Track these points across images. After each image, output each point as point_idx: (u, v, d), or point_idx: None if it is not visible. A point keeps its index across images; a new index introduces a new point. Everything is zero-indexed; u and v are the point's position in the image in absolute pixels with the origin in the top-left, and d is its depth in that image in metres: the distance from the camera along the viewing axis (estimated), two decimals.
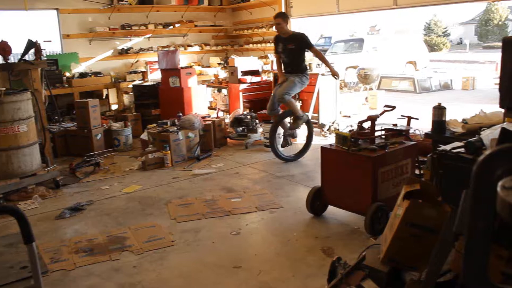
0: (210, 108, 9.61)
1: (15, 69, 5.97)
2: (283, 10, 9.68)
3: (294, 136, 6.95)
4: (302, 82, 6.50)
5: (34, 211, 5.04)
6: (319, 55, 6.64)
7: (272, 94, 6.79)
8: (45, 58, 7.83)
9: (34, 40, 6.36)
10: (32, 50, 6.36)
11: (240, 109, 8.48)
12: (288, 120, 6.82)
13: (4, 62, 5.96)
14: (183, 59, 10.12)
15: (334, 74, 6.55)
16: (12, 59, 6.15)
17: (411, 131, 4.99)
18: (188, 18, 10.66)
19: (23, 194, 5.40)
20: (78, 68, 9.15)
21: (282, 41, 6.54)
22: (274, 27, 6.72)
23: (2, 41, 5.90)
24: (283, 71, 6.68)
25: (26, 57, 6.30)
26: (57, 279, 3.57)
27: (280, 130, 6.76)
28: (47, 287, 3.43)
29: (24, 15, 8.24)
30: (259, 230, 4.33)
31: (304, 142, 6.85)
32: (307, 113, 7.08)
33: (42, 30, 9.00)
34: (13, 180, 5.31)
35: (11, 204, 4.99)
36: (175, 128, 6.78)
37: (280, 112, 6.66)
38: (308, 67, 6.99)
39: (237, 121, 7.74)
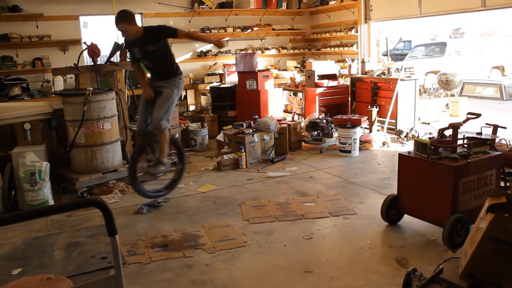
0: (285, 111, 9.64)
1: (102, 70, 6.31)
2: (362, 13, 9.53)
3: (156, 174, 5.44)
4: (179, 88, 5.24)
5: (114, 205, 5.29)
6: (191, 35, 5.31)
7: (140, 106, 5.34)
8: (129, 60, 8.20)
9: (120, 43, 6.69)
10: (118, 52, 6.70)
11: (316, 113, 8.44)
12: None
13: (93, 63, 6.31)
14: (260, 62, 10.23)
15: (218, 44, 5.31)
16: (99, 60, 6.50)
17: (497, 140, 4.73)
18: (266, 21, 10.77)
19: (104, 188, 5.69)
20: None
21: (136, 44, 5.12)
22: (121, 34, 5.13)
23: (92, 43, 6.25)
24: (150, 78, 5.41)
25: (113, 59, 6.63)
26: (133, 271, 3.71)
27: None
28: (125, 278, 3.58)
29: (112, 20, 8.66)
30: (332, 235, 4.28)
31: (175, 170, 5.66)
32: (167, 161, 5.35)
33: None
34: (96, 175, 5.62)
35: (96, 197, 5.27)
36: (251, 130, 6.87)
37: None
38: (178, 67, 5.37)
39: (312, 125, 7.70)
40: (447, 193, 3.80)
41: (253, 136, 6.74)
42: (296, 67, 10.68)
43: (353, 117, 7.34)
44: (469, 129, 4.84)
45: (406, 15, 8.77)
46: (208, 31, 9.92)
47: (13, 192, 5.27)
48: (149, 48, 5.06)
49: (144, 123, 5.22)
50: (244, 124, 7.20)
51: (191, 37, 5.61)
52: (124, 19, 4.95)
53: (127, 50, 5.25)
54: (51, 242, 4.33)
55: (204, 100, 9.53)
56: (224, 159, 6.58)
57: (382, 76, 8.43)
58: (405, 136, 7.72)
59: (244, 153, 6.62)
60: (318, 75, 8.72)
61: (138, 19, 9.52)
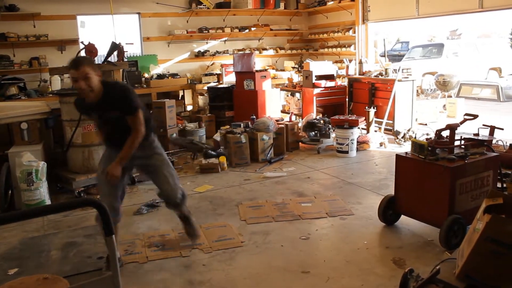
0: (283, 111, 9.63)
1: (99, 69, 6.27)
2: (360, 14, 9.54)
3: None
4: (162, 152, 3.93)
5: None
6: (137, 127, 3.55)
7: (102, 188, 3.75)
8: (127, 60, 8.18)
9: (117, 43, 6.67)
10: (115, 52, 6.67)
11: (313, 114, 8.43)
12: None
13: None
14: (258, 62, 10.23)
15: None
16: (97, 60, 6.47)
17: (493, 141, 4.74)
18: (264, 21, 10.76)
19: None
20: (157, 70, 9.49)
21: (94, 107, 3.61)
22: (75, 83, 3.52)
23: (89, 43, 6.23)
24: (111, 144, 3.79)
25: (110, 59, 6.61)
26: (130, 270, 3.71)
27: None
28: (121, 278, 3.57)
29: (109, 19, 8.65)
30: (329, 236, 4.28)
31: None
32: None
33: (125, 33, 9.40)
34: (93, 175, 5.58)
35: (92, 197, 5.25)
36: (239, 131, 6.88)
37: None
38: (151, 126, 3.84)
39: (310, 125, 7.70)
40: (444, 194, 3.81)
41: (240, 137, 6.76)
42: (293, 68, 10.68)
43: (350, 118, 7.35)
44: (466, 130, 4.86)
45: (404, 16, 8.78)
46: (206, 31, 9.92)
47: (10, 192, 5.26)
48: (113, 114, 3.59)
49: (115, 209, 3.67)
50: (242, 124, 7.21)
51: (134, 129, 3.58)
52: (89, 64, 3.63)
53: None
54: (48, 242, 4.32)
55: (201, 100, 9.52)
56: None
57: (380, 77, 8.43)
58: (402, 137, 7.73)
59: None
60: (315, 76, 8.72)
61: (136, 19, 9.52)
